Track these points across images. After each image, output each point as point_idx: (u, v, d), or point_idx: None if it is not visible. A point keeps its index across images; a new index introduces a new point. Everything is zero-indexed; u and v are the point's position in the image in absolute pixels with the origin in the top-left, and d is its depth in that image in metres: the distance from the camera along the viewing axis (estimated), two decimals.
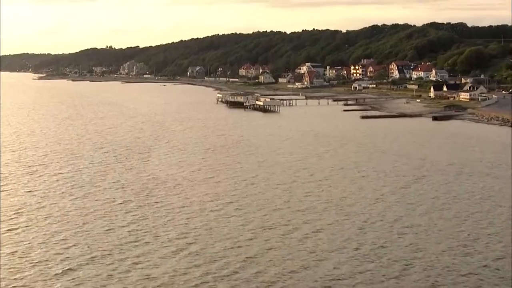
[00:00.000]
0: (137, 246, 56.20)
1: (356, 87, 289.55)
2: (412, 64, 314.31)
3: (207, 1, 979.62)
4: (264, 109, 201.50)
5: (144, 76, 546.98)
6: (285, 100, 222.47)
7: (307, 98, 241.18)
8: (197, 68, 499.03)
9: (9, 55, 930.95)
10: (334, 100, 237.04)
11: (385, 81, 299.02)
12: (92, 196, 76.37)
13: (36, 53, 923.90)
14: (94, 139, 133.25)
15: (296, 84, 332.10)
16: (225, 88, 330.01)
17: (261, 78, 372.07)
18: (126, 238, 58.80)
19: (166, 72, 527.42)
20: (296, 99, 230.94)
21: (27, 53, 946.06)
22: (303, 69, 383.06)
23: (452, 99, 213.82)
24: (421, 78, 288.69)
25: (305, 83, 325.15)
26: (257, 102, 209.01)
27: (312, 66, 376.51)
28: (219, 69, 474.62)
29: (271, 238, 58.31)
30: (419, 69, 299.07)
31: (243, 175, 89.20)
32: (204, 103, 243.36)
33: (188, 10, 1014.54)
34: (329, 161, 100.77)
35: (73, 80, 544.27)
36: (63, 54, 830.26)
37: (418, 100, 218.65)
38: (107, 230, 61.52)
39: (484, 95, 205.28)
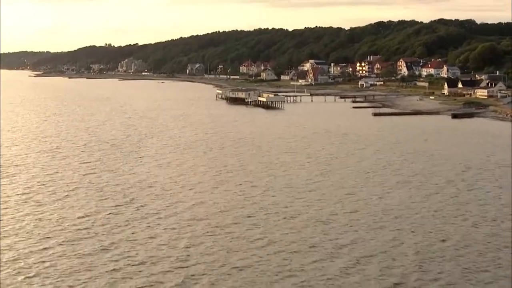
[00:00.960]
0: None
1: (363, 84, 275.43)
2: (421, 61, 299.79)
3: (207, 1, 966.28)
4: (267, 106, 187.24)
5: (143, 73, 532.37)
6: (290, 96, 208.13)
7: (312, 95, 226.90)
8: (197, 65, 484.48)
9: (8, 53, 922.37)
10: (341, 97, 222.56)
11: (393, 78, 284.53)
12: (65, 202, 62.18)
13: (35, 51, 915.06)
14: (80, 136, 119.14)
15: (300, 81, 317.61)
16: (225, 85, 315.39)
17: (263, 75, 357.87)
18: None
19: (165, 70, 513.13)
20: (300, 96, 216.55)
21: (26, 51, 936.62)
22: (307, 66, 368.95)
23: (468, 96, 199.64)
24: (431, 75, 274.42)
25: (309, 80, 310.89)
26: (260, 98, 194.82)
27: (315, 63, 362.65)
28: (219, 66, 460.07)
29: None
30: (429, 65, 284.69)
31: (259, 183, 74.92)
32: (203, 99, 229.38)
33: (188, 10, 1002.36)
34: (364, 163, 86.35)
35: (69, 77, 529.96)
36: (62, 52, 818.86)
37: (431, 97, 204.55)
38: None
39: (503, 92, 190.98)
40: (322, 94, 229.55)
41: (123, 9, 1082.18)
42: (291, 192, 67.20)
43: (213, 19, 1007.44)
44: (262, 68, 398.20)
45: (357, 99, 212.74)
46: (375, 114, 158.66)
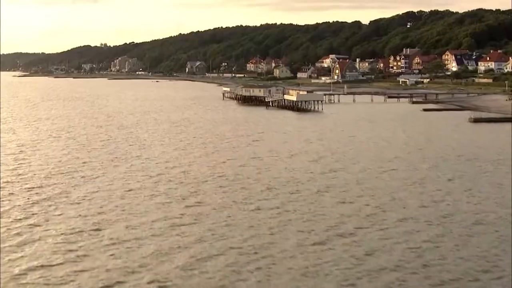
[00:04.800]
0: None
1: (405, 82, 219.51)
2: (474, 54, 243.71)
3: (209, 3, 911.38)
4: (297, 107, 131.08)
5: (137, 73, 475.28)
6: (326, 95, 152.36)
7: (350, 94, 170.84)
8: (197, 63, 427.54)
9: (3, 54, 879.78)
10: (390, 97, 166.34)
11: (441, 74, 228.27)
12: None
13: (30, 52, 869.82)
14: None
15: (323, 78, 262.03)
16: (231, 83, 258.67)
17: (277, 73, 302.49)
18: None
19: (161, 68, 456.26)
20: (338, 95, 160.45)
21: (20, 53, 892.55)
22: (327, 61, 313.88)
23: None
24: (491, 70, 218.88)
25: (335, 77, 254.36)
26: (287, 97, 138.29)
27: (337, 58, 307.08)
28: (223, 64, 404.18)
29: None
30: (488, 58, 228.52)
31: None
32: (206, 99, 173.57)
33: (190, 12, 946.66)
34: None
35: (55, 77, 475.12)
36: (56, 52, 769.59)
37: None
38: None
39: None
40: (363, 93, 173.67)
41: (124, 11, 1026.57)
42: None
43: (216, 21, 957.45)
44: (273, 65, 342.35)
45: (415, 99, 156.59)
46: (475, 120, 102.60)
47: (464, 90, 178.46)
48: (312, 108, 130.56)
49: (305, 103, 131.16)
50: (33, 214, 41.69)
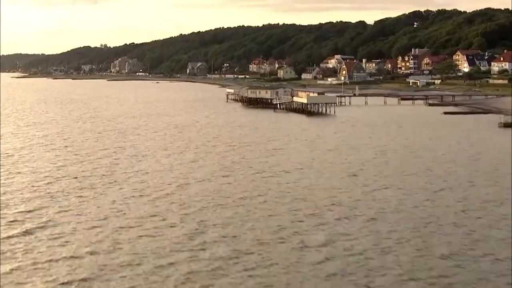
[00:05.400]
0: None
1: (416, 83, 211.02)
2: (486, 54, 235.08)
3: (209, 4, 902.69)
4: (308, 110, 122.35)
5: (137, 74, 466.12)
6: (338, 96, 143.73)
7: (362, 95, 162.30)
8: (199, 64, 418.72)
9: (3, 55, 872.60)
10: (403, 99, 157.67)
11: (453, 74, 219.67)
12: None
13: (30, 53, 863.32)
14: None
15: (329, 79, 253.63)
16: (234, 85, 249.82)
17: (281, 73, 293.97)
18: None
19: (162, 69, 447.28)
20: (349, 97, 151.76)
21: (21, 54, 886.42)
22: (332, 62, 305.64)
23: None
24: (505, 70, 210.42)
25: (342, 77, 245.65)
26: (296, 99, 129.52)
27: (342, 59, 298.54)
28: (225, 64, 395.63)
29: None
30: (502, 59, 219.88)
31: None
32: (209, 101, 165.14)
33: (190, 13, 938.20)
34: None
35: (54, 78, 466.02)
36: (56, 53, 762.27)
37: None
38: None
39: None
40: (376, 95, 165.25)
41: (124, 12, 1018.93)
42: None
43: (216, 22, 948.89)
44: (277, 65, 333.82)
45: (431, 101, 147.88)
46: (505, 125, 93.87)
47: (480, 92, 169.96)
48: (324, 111, 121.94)
49: (316, 105, 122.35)
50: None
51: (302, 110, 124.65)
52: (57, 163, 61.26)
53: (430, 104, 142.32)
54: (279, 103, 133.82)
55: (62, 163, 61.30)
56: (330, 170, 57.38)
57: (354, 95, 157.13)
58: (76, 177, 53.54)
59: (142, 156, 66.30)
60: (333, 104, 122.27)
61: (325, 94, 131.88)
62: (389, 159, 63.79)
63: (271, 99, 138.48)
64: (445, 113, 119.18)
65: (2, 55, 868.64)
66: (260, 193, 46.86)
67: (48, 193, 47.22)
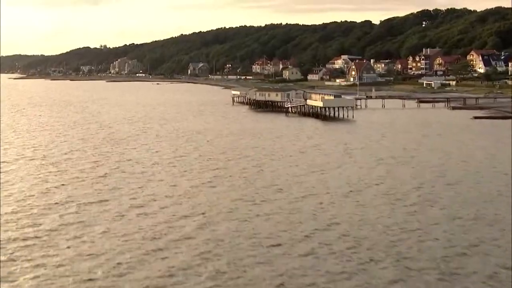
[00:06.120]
0: None
1: (430, 84, 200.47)
2: (502, 54, 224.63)
3: (209, 5, 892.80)
4: (323, 115, 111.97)
5: (137, 75, 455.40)
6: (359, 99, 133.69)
7: (377, 97, 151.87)
8: (200, 64, 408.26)
9: (2, 56, 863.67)
10: (421, 102, 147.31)
11: (468, 75, 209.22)
12: None
13: (29, 54, 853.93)
14: None
15: (337, 80, 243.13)
16: (237, 86, 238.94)
17: (286, 74, 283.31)
18: None
19: (162, 70, 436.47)
20: (365, 100, 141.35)
21: (20, 55, 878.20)
22: (338, 62, 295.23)
23: None
24: None
25: (351, 79, 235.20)
26: (310, 102, 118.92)
27: (349, 59, 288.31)
28: (227, 65, 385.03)
29: None
30: None
31: None
32: (214, 104, 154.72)
33: (191, 14, 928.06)
34: None
35: (52, 80, 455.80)
36: (55, 54, 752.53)
37: None
38: None
39: None
40: (393, 97, 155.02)
41: (125, 13, 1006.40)
42: None
43: (217, 23, 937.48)
44: (281, 66, 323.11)
45: (453, 105, 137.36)
46: None
47: (502, 94, 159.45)
48: (342, 115, 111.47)
49: (333, 109, 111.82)
50: None
51: (317, 114, 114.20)
52: (42, 186, 50.81)
53: (454, 108, 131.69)
54: (291, 107, 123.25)
55: (50, 185, 50.85)
56: (384, 197, 46.97)
57: (371, 97, 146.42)
58: (63, 203, 43.13)
59: (150, 176, 55.18)
60: (351, 107, 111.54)
61: (343, 97, 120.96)
62: (472, 185, 53.09)
63: (282, 102, 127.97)
64: (476, 117, 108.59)
65: (2, 56, 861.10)
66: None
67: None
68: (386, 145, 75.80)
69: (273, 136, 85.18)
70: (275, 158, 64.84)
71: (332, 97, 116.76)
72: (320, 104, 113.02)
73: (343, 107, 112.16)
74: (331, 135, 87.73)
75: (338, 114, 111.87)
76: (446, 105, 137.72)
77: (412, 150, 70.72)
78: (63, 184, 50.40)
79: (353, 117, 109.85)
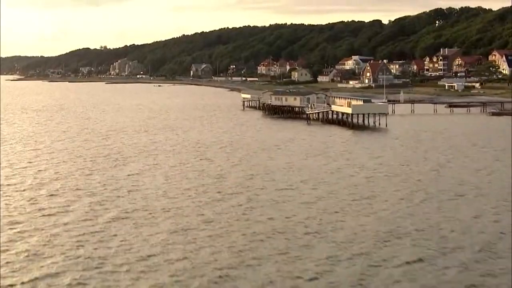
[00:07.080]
0: None
1: (453, 86, 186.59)
2: None
3: (211, 7, 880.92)
4: (351, 123, 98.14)
5: (138, 76, 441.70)
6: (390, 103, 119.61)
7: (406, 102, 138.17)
8: (203, 65, 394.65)
9: (2, 57, 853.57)
10: (450, 106, 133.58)
11: (492, 77, 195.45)
12: None
13: (29, 55, 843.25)
14: None
15: (351, 82, 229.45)
16: (244, 88, 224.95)
17: (295, 76, 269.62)
18: None
19: (164, 71, 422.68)
20: (393, 104, 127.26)
21: (20, 56, 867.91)
22: (349, 63, 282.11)
23: None
24: None
25: (366, 80, 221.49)
26: (336, 108, 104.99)
27: (360, 59, 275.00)
28: (231, 66, 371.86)
29: None
30: None
31: None
32: (223, 109, 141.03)
33: (192, 16, 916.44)
34: None
35: (50, 81, 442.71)
36: (55, 56, 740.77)
37: None
38: None
39: None
40: (424, 102, 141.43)
41: (126, 14, 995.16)
42: None
43: (218, 23, 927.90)
44: (288, 67, 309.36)
45: (493, 111, 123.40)
46: None
47: None
48: (373, 123, 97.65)
49: (363, 116, 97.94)
50: None
51: (344, 122, 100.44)
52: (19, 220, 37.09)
53: (493, 114, 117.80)
54: (312, 113, 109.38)
55: (37, 212, 37.15)
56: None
57: (399, 101, 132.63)
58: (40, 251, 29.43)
59: (158, 210, 41.75)
60: (385, 115, 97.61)
61: (374, 102, 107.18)
62: None
63: (301, 108, 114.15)
64: None
65: (1, 57, 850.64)
66: None
67: None
68: (456, 169, 61.83)
69: (302, 150, 71.34)
70: (309, 186, 50.94)
71: (361, 102, 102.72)
72: (349, 110, 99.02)
73: (374, 114, 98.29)
74: (368, 150, 73.72)
75: (368, 122, 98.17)
76: (482, 110, 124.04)
77: (484, 172, 56.84)
78: (51, 218, 36.69)
79: (386, 125, 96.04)
